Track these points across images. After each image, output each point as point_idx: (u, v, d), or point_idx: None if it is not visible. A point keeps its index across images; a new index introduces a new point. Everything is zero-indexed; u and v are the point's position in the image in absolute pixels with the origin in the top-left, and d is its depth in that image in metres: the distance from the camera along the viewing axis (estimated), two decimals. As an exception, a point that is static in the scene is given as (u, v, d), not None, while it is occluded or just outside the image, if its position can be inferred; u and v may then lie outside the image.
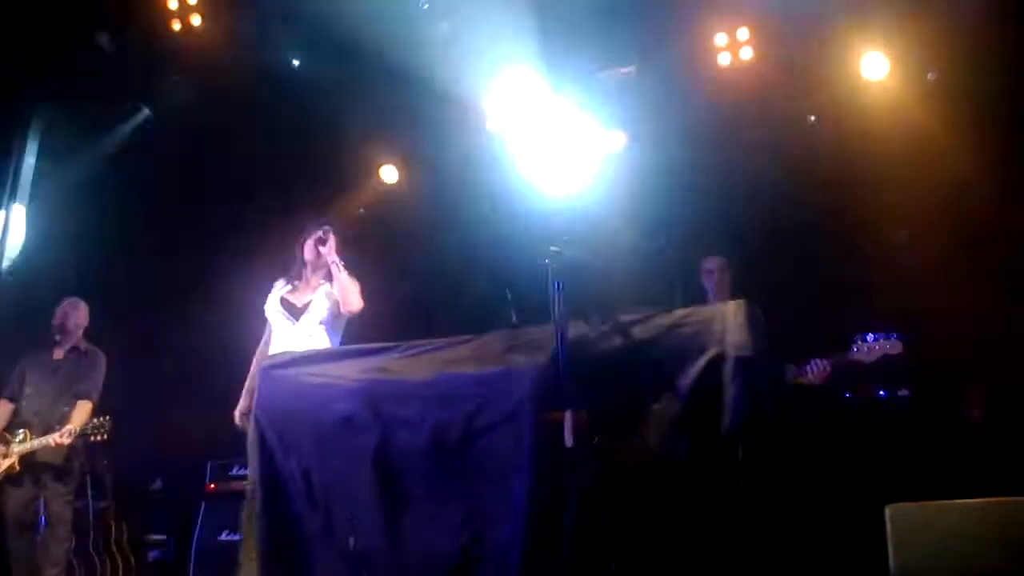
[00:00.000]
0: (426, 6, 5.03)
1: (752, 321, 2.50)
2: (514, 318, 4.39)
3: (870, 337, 3.69)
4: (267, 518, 2.84)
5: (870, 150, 4.71)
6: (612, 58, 5.26)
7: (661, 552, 2.47)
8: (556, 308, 2.53)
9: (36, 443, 4.28)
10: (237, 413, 3.58)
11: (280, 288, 3.80)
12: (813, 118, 5.19)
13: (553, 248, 2.58)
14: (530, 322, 2.86)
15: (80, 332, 4.68)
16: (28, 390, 4.50)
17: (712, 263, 4.31)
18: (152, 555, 5.22)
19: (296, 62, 5.38)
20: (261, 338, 3.78)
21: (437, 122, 5.65)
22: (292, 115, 5.45)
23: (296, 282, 3.79)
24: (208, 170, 5.72)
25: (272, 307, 3.75)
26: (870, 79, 4.85)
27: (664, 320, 2.59)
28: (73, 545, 4.57)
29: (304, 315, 3.63)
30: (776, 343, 3.72)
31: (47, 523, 4.30)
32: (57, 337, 4.59)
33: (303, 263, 3.79)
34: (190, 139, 5.57)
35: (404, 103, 5.45)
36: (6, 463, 4.30)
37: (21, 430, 4.36)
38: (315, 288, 3.73)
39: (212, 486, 4.93)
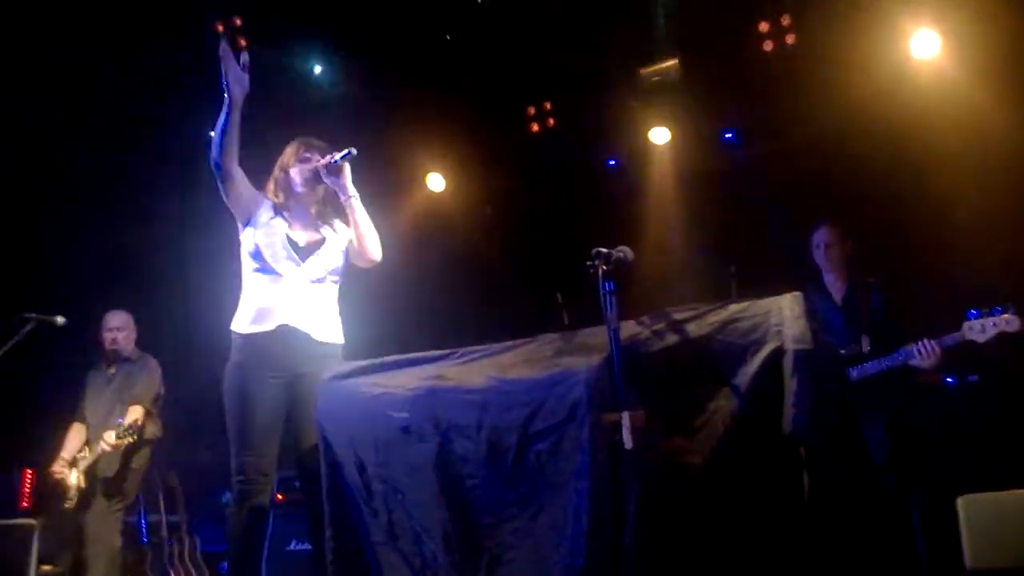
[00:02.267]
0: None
1: (810, 313, 2.45)
2: (566, 320, 4.39)
3: (983, 313, 3.38)
4: (334, 526, 2.89)
5: (921, 131, 4.59)
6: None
7: (726, 554, 2.44)
8: (607, 309, 2.52)
9: (91, 456, 4.36)
10: None
11: (274, 219, 3.14)
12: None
13: (600, 249, 2.56)
14: (581, 324, 2.86)
15: (131, 344, 4.74)
16: (88, 408, 4.61)
17: (825, 235, 3.91)
18: (223, 567, 5.36)
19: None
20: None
21: (482, 129, 5.70)
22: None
23: (291, 216, 3.16)
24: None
25: (275, 239, 3.09)
26: (921, 58, 4.74)
27: (718, 316, 2.54)
28: (150, 560, 4.72)
29: (313, 257, 3.11)
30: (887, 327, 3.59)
31: (91, 541, 4.31)
32: (109, 353, 4.68)
33: (294, 193, 3.17)
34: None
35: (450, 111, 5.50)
36: (75, 483, 4.39)
37: (85, 447, 4.47)
38: (321, 226, 3.19)
39: (280, 497, 5.04)
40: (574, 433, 2.52)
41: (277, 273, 3.10)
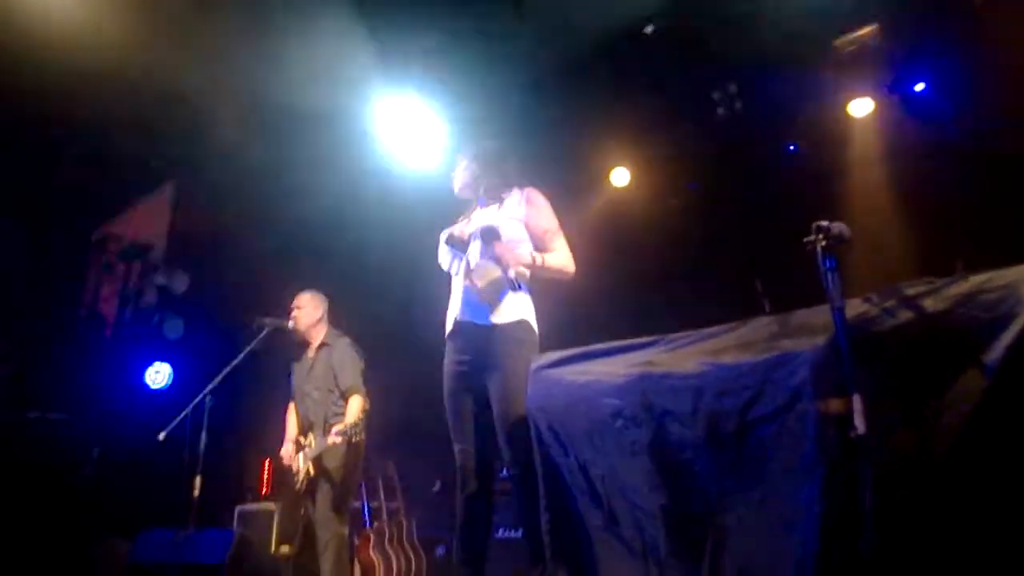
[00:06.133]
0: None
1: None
2: (767, 308, 4.20)
3: None
4: (551, 512, 2.95)
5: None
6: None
7: (977, 549, 2.23)
8: (830, 286, 2.38)
9: (317, 447, 4.34)
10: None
11: (450, 226, 3.44)
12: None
13: (821, 223, 2.42)
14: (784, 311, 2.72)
15: (320, 324, 4.65)
16: (296, 394, 4.64)
17: None
18: (439, 551, 5.65)
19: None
20: None
21: (666, 119, 5.61)
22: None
23: (466, 217, 3.43)
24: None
25: (442, 246, 3.38)
26: None
27: (959, 288, 2.33)
28: (373, 543, 5.01)
29: (472, 245, 3.31)
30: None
31: (320, 527, 4.28)
32: (295, 334, 4.63)
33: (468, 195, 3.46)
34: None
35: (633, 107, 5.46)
36: (303, 470, 4.41)
37: (310, 434, 4.47)
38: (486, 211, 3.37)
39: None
40: (799, 419, 2.41)
41: (450, 273, 3.35)
